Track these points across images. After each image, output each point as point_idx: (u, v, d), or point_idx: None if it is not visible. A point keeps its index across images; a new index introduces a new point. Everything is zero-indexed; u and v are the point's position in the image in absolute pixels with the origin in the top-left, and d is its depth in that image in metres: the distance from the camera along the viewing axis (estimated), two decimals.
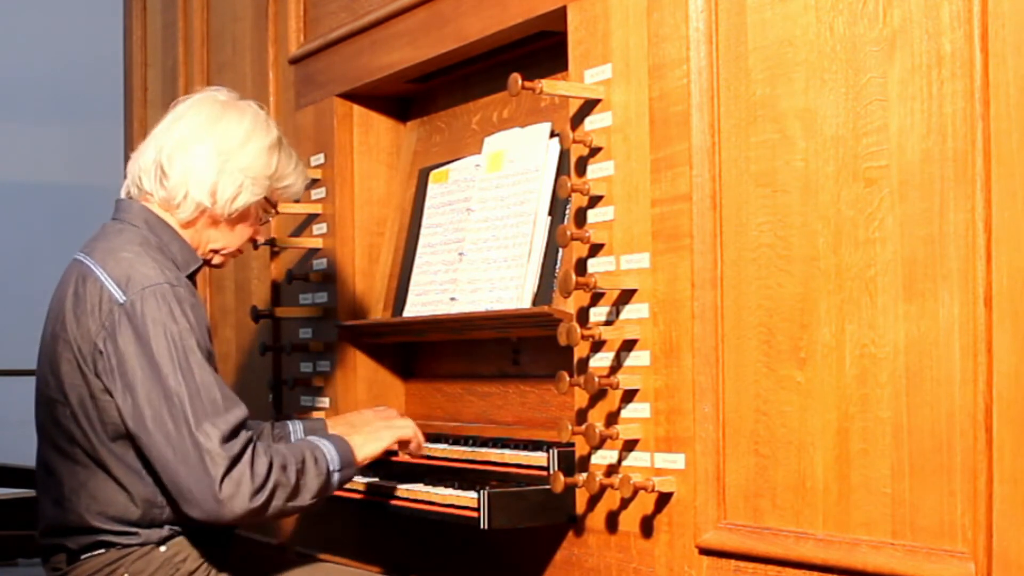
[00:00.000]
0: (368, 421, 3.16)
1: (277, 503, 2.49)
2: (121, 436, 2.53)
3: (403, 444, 2.84)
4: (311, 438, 2.69)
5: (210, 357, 2.55)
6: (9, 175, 8.70)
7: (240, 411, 2.50)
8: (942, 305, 1.95)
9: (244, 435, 2.48)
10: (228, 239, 2.76)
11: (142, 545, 2.57)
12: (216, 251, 2.77)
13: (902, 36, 2.01)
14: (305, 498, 2.55)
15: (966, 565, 1.91)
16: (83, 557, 2.60)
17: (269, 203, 2.79)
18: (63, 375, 2.57)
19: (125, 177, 2.75)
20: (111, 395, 2.51)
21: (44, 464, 2.67)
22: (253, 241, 2.84)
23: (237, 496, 2.43)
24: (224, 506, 2.43)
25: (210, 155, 2.67)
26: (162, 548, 2.58)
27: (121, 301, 2.51)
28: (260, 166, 2.71)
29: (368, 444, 2.72)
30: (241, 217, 2.74)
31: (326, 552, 3.37)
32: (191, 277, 2.71)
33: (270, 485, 2.47)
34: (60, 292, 2.63)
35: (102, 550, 2.58)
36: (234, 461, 2.44)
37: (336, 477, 2.62)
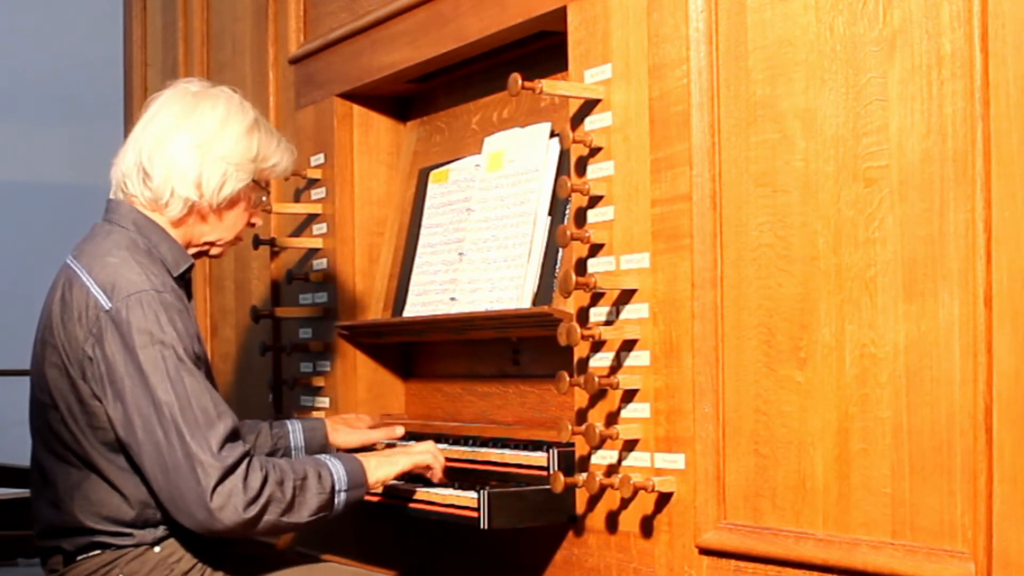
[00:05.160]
0: (365, 421, 3.16)
1: (270, 517, 2.47)
2: (111, 440, 2.53)
3: (424, 470, 2.78)
4: (320, 456, 2.66)
5: (199, 362, 2.53)
6: (9, 175, 8.69)
7: (231, 419, 2.49)
8: (942, 305, 1.95)
9: (241, 447, 2.48)
10: (221, 230, 2.74)
11: (136, 546, 2.57)
12: (212, 243, 2.76)
13: (902, 36, 2.01)
14: (303, 515, 2.52)
15: (966, 565, 1.91)
16: (79, 558, 2.60)
17: (259, 185, 2.77)
18: (50, 380, 2.57)
19: (110, 183, 2.74)
20: (100, 401, 2.51)
21: (38, 466, 2.67)
22: (251, 224, 2.81)
23: (228, 507, 2.42)
24: (214, 516, 2.42)
25: (189, 148, 2.66)
26: (156, 549, 2.57)
27: (107, 308, 2.50)
28: (241, 151, 2.69)
29: (382, 467, 2.68)
30: (231, 205, 2.72)
31: (326, 551, 3.37)
32: (184, 276, 2.70)
33: (263, 498, 2.46)
34: (49, 297, 2.63)
35: (98, 551, 2.58)
36: (227, 472, 2.43)
37: (342, 497, 2.59)
